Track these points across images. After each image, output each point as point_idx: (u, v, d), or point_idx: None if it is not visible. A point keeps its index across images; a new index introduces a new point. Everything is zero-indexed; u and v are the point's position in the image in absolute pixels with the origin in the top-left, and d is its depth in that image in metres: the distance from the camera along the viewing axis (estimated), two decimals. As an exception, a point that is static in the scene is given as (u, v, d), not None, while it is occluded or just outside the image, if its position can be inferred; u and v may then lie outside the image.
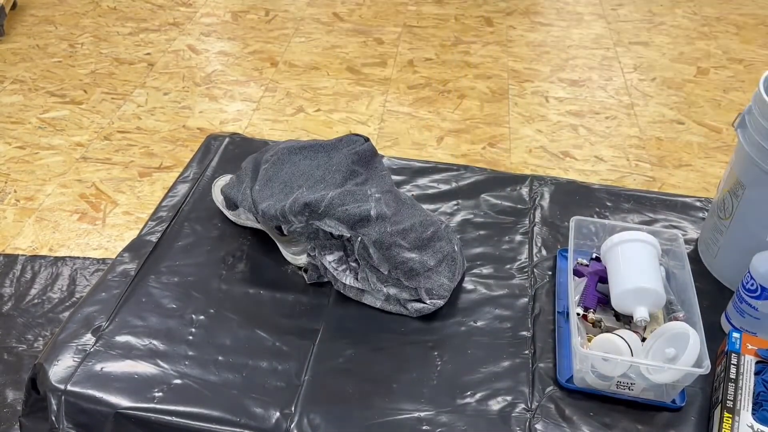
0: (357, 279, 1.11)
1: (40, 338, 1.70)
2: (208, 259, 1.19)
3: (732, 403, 0.92)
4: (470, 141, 2.46)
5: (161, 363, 1.01)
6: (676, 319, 1.05)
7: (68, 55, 2.93)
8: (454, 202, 1.35)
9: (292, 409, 0.96)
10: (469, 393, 0.99)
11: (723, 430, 0.90)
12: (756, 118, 1.07)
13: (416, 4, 3.45)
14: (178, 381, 0.99)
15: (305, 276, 1.16)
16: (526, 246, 1.25)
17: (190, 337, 1.05)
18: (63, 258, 1.93)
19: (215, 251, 1.21)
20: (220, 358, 1.02)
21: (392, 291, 1.09)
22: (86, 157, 2.35)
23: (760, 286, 1.01)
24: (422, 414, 0.96)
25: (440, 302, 1.10)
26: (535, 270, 1.20)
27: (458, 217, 1.31)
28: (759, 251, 1.04)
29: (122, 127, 2.50)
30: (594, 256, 1.17)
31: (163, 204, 1.31)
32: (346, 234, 1.07)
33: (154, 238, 1.22)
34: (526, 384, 1.01)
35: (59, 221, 2.07)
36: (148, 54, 2.95)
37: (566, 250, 1.18)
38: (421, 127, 2.53)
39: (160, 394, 0.97)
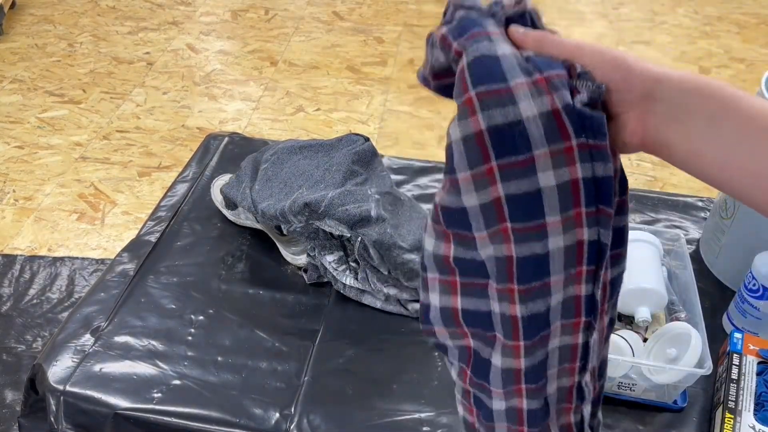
0: (357, 279, 1.10)
1: (39, 338, 1.69)
2: (208, 259, 1.19)
3: (734, 403, 0.92)
4: (470, 140, 2.45)
5: (160, 363, 1.00)
6: (677, 319, 1.04)
7: (67, 54, 2.92)
8: (455, 202, 1.34)
9: (292, 409, 0.95)
10: None
11: (724, 430, 0.89)
12: (758, 118, 1.06)
13: (417, 2, 3.44)
14: (177, 382, 0.98)
15: (305, 276, 1.15)
16: (527, 246, 1.24)
17: (190, 338, 1.05)
18: (62, 258, 1.92)
19: (215, 251, 1.20)
20: (219, 358, 1.02)
21: (392, 291, 1.08)
22: (85, 156, 2.34)
23: (762, 286, 1.01)
24: (423, 415, 0.95)
25: (441, 302, 1.09)
26: (535, 270, 1.19)
27: (459, 217, 1.30)
28: (761, 251, 1.04)
29: (121, 127, 2.49)
30: (595, 256, 1.17)
31: (162, 204, 1.30)
32: (347, 234, 1.07)
33: (153, 238, 1.22)
34: (527, 385, 1.00)
35: (58, 221, 2.07)
36: (147, 53, 2.95)
37: (567, 250, 1.17)
38: (422, 126, 2.52)
39: (160, 394, 0.96)
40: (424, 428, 0.94)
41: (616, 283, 0.57)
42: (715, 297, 1.15)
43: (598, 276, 0.54)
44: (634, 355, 0.94)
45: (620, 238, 0.55)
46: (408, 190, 1.37)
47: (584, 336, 0.56)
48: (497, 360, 0.57)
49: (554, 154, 0.49)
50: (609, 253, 0.54)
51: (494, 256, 0.53)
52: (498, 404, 0.60)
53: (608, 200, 0.51)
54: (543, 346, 0.56)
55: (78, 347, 1.02)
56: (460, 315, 0.58)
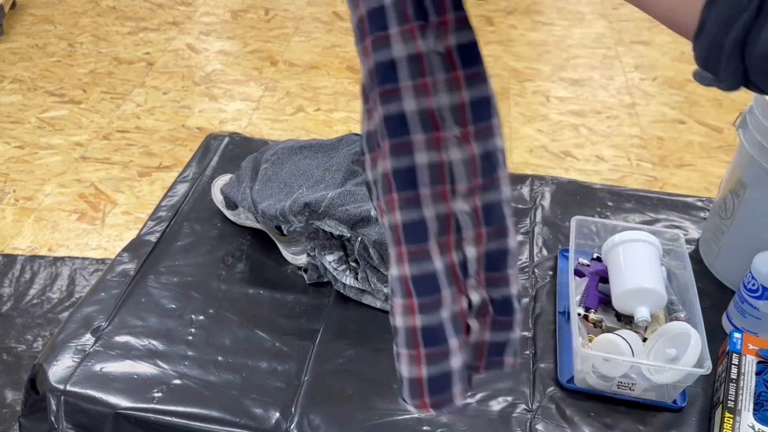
0: (357, 279, 1.10)
1: (40, 338, 1.70)
2: (208, 259, 1.19)
3: (733, 403, 0.92)
4: (470, 140, 2.45)
5: (161, 363, 1.00)
6: (677, 319, 1.04)
7: (67, 54, 2.93)
8: (455, 202, 1.34)
9: (292, 409, 0.96)
10: (469, 393, 0.99)
11: (724, 430, 0.89)
12: (757, 118, 1.07)
13: (416, 3, 3.44)
14: (177, 381, 0.98)
15: (305, 276, 1.15)
16: (527, 246, 1.24)
17: (190, 338, 1.05)
18: (62, 258, 1.93)
19: (215, 251, 1.20)
20: (219, 358, 1.02)
21: (392, 291, 1.08)
22: (85, 156, 2.34)
23: (762, 286, 1.01)
24: (423, 415, 0.95)
25: (440, 302, 1.09)
26: (536, 270, 1.19)
27: (458, 217, 1.31)
28: (760, 251, 1.04)
29: (121, 127, 2.50)
30: (595, 256, 1.17)
31: (163, 204, 1.30)
32: (347, 234, 1.07)
33: (153, 238, 1.22)
34: (527, 384, 1.00)
35: (58, 221, 2.07)
36: (148, 53, 2.95)
37: (567, 250, 1.17)
38: (422, 126, 2.52)
39: (160, 394, 0.96)
40: (424, 428, 0.94)
41: (491, 211, 0.65)
42: (715, 297, 1.15)
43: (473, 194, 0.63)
44: (633, 355, 0.94)
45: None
46: (408, 190, 1.37)
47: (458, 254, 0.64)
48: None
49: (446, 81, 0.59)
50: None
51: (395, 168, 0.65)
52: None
53: (488, 118, 0.62)
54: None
55: (78, 347, 1.02)
56: (401, 230, 0.65)
